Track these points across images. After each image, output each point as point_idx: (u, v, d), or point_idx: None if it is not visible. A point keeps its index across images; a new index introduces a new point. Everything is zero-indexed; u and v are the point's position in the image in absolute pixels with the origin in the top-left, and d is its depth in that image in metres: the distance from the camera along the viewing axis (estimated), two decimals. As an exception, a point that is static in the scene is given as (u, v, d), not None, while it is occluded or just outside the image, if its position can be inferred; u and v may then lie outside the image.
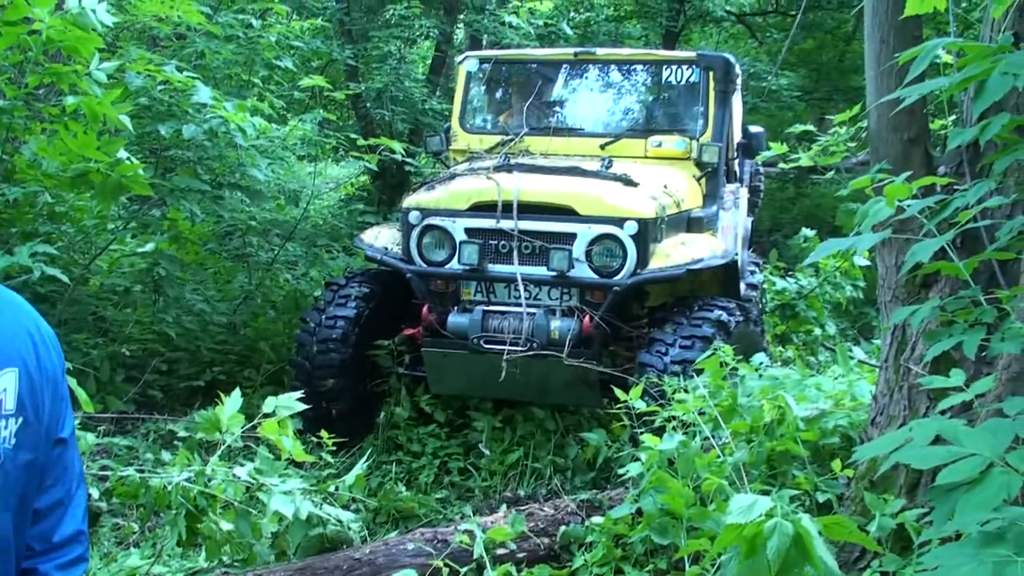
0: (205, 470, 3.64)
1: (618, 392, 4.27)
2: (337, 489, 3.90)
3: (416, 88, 11.29)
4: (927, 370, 3.22)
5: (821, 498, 3.58)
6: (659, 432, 3.91)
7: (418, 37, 12.06)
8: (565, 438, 5.99)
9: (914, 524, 3.04)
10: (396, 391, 6.13)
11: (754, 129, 7.07)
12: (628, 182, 5.83)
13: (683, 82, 6.82)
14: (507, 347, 5.45)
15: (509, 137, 6.73)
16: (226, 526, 3.63)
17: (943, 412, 2.57)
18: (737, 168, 7.27)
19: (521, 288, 5.56)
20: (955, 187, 3.11)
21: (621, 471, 3.98)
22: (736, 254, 6.90)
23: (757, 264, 8.58)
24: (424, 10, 11.67)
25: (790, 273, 9.63)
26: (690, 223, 6.16)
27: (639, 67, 7.12)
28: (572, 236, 5.60)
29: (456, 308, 5.80)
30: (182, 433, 4.97)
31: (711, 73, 6.56)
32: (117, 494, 3.72)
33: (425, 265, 5.84)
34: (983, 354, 2.83)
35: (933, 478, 2.02)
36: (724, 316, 5.44)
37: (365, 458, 4.27)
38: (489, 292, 5.78)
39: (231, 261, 8.33)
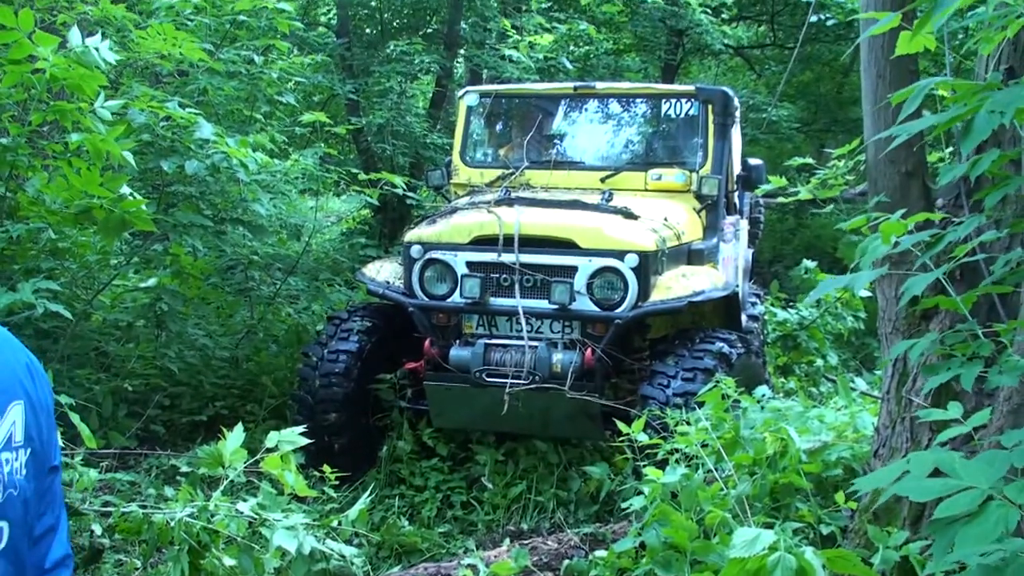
0: (208, 505, 3.64)
1: (620, 425, 4.27)
2: (340, 524, 3.90)
3: (417, 122, 11.38)
4: (928, 402, 3.23)
5: (825, 531, 3.58)
6: (662, 465, 3.91)
7: (419, 72, 12.15)
8: (568, 471, 5.97)
9: (918, 557, 3.03)
10: (398, 425, 6.13)
11: (753, 161, 7.11)
12: (628, 215, 5.86)
13: (682, 115, 6.87)
14: (509, 380, 5.45)
15: (510, 171, 6.77)
16: (229, 562, 3.61)
17: (943, 444, 2.58)
18: (737, 200, 7.30)
19: (523, 321, 5.58)
20: (952, 220, 3.13)
21: (624, 504, 3.97)
22: (737, 286, 6.91)
23: (758, 295, 8.60)
24: (424, 46, 11.77)
25: (791, 304, 9.65)
26: (691, 255, 6.19)
27: (638, 101, 7.18)
28: (573, 269, 5.63)
29: (458, 341, 5.81)
30: (184, 468, 4.95)
31: (710, 106, 6.61)
32: (120, 530, 3.72)
33: (427, 299, 5.86)
34: (983, 387, 2.84)
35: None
36: (726, 348, 5.45)
37: (368, 492, 4.27)
38: (491, 325, 5.80)
39: (233, 296, 8.35)
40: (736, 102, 7.04)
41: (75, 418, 3.98)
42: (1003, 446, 2.14)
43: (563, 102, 7.22)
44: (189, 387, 7.01)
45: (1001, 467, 1.98)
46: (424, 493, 5.87)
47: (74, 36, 5.02)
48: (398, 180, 7.55)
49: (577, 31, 12.58)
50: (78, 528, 4.11)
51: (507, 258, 5.65)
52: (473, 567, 3.76)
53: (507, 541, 4.43)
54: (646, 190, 6.50)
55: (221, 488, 3.86)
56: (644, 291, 5.57)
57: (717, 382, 4.32)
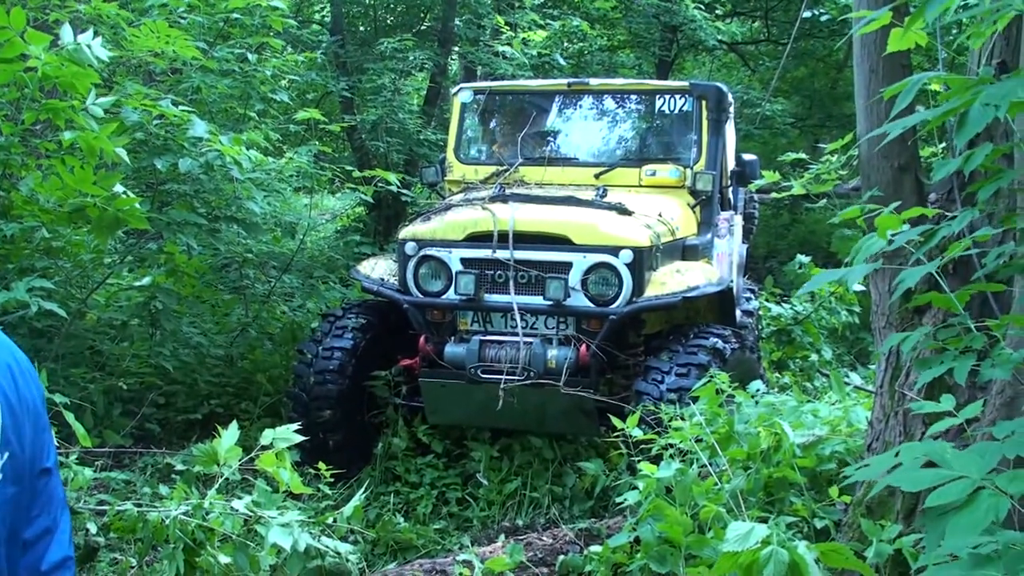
0: (203, 503, 3.63)
1: (615, 421, 4.27)
2: (335, 521, 3.90)
3: (411, 119, 11.37)
4: (921, 396, 3.24)
5: (819, 524, 3.59)
6: (656, 460, 3.91)
7: (412, 69, 12.15)
8: (563, 467, 5.99)
9: (911, 550, 3.04)
10: (393, 422, 6.13)
11: (747, 157, 7.12)
12: (623, 211, 5.87)
13: (676, 111, 6.88)
14: (504, 376, 5.45)
15: (504, 168, 6.76)
16: (224, 559, 3.61)
17: (935, 437, 2.59)
18: (731, 196, 7.30)
19: (518, 317, 5.58)
20: (946, 214, 3.14)
21: (619, 500, 3.97)
22: (731, 281, 6.92)
23: (752, 291, 8.59)
24: (418, 42, 11.76)
25: (786, 299, 9.66)
26: (685, 251, 6.20)
27: (633, 97, 7.18)
28: (568, 265, 5.63)
29: (453, 338, 5.81)
30: (180, 467, 4.95)
31: (704, 102, 6.62)
32: (115, 529, 3.72)
33: (421, 296, 5.86)
34: (976, 380, 2.85)
35: (927, 503, 2.04)
36: (720, 344, 5.46)
37: (363, 489, 4.27)
38: (486, 322, 5.80)
39: (228, 294, 8.34)
40: (730, 98, 7.04)
41: (70, 417, 3.97)
42: (995, 438, 2.15)
43: (557, 98, 7.22)
44: (184, 385, 7.01)
45: (992, 458, 1.99)
46: (419, 490, 5.88)
47: (66, 34, 5.01)
48: (392, 177, 7.54)
49: (571, 27, 12.58)
50: (73, 527, 4.10)
51: (502, 254, 5.65)
52: (468, 563, 3.76)
53: (502, 537, 4.44)
54: (640, 186, 6.51)
55: (216, 486, 3.86)
56: (639, 287, 5.58)
57: (711, 377, 4.33)
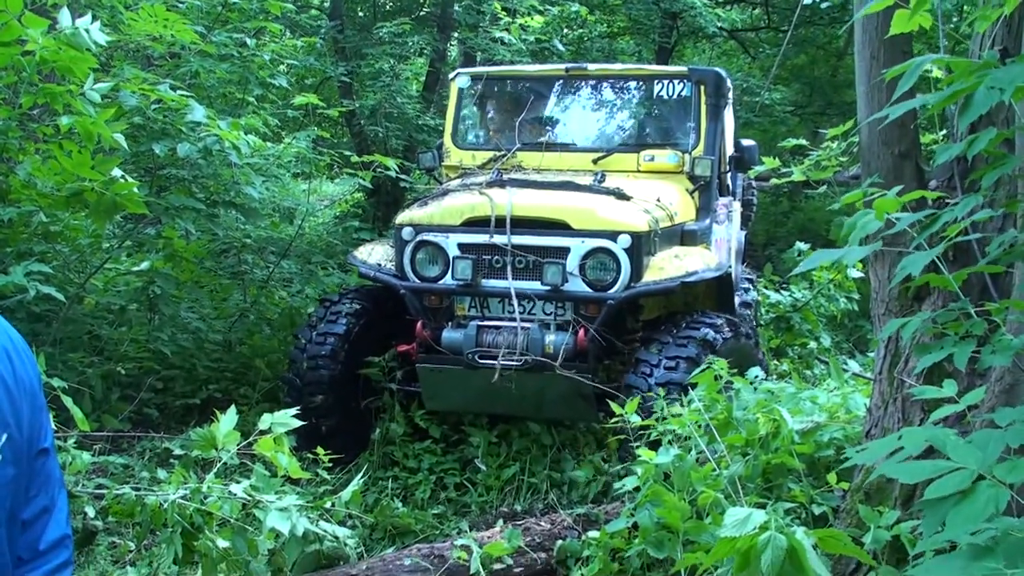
0: (201, 488, 3.64)
1: (614, 406, 4.27)
2: (333, 505, 3.90)
3: (410, 105, 11.34)
4: (920, 382, 3.24)
5: (817, 511, 3.59)
6: (654, 446, 3.92)
7: (411, 54, 12.11)
8: (561, 453, 5.99)
9: (909, 536, 3.04)
10: (390, 407, 6.13)
11: (746, 142, 7.08)
12: (621, 196, 5.84)
13: (675, 96, 6.84)
14: (499, 360, 5.42)
15: (501, 153, 6.74)
16: (222, 544, 3.62)
17: (936, 423, 2.58)
18: (730, 182, 7.29)
19: (515, 302, 5.56)
20: (946, 200, 3.13)
21: (617, 485, 3.98)
22: (730, 267, 6.91)
23: (751, 280, 8.55)
24: (416, 27, 11.72)
25: (784, 286, 9.65)
26: (683, 236, 6.18)
27: (631, 82, 7.15)
28: (566, 250, 5.61)
29: (450, 324, 5.80)
30: (178, 451, 4.96)
31: (703, 87, 6.60)
32: (113, 512, 3.72)
33: (419, 281, 5.84)
34: (975, 366, 2.85)
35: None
36: (711, 334, 5.42)
37: (361, 474, 4.27)
38: (483, 307, 5.79)
39: (226, 279, 8.33)
40: (729, 83, 7.02)
41: (68, 401, 3.97)
42: (996, 424, 2.14)
43: (555, 84, 7.19)
44: (182, 370, 7.01)
45: (995, 448, 1.98)
46: (417, 475, 5.88)
47: (64, 18, 4.98)
48: (391, 163, 7.52)
49: (570, 13, 12.53)
50: (71, 510, 4.10)
51: (499, 239, 5.63)
52: (466, 547, 3.76)
53: (500, 522, 4.44)
54: (638, 171, 6.48)
55: (215, 470, 3.87)
56: (637, 272, 5.55)
57: (709, 364, 4.32)
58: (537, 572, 3.90)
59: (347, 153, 8.64)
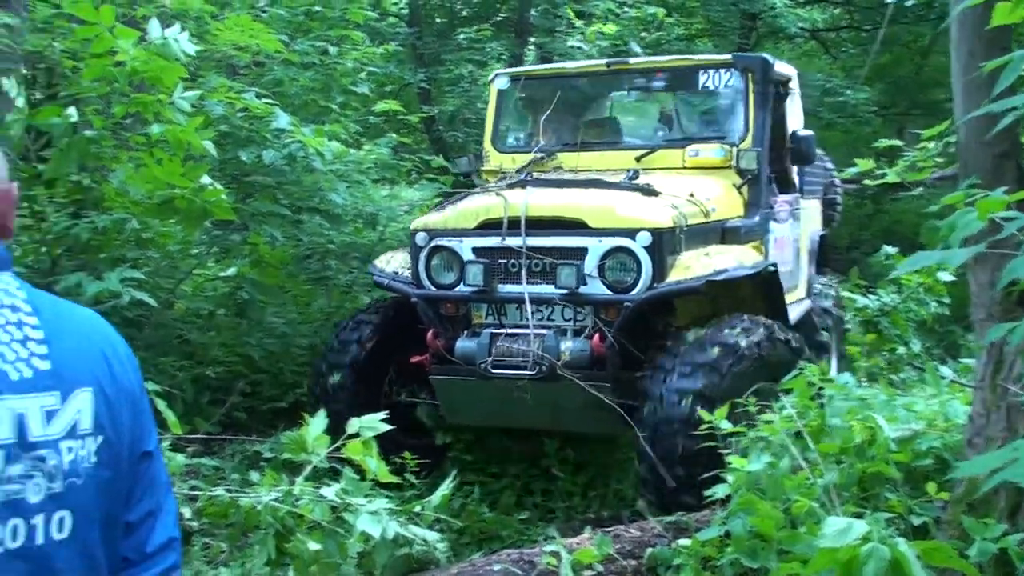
0: (293, 490, 3.67)
1: (702, 413, 4.19)
2: (423, 509, 3.91)
3: (488, 110, 11.36)
4: (1026, 389, 3.14)
5: (916, 521, 3.50)
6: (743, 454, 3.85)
7: (489, 59, 12.16)
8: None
9: (1016, 549, 2.95)
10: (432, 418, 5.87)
11: (802, 133, 6.56)
12: (648, 192, 5.49)
13: (721, 86, 6.41)
14: (508, 371, 5.12)
15: (541, 155, 6.43)
16: (313, 546, 3.65)
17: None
18: (796, 177, 6.90)
19: (528, 308, 5.21)
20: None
21: (707, 493, 3.92)
22: (791, 268, 6.55)
23: (830, 285, 8.00)
24: (494, 32, 11.77)
25: (871, 290, 9.43)
26: (725, 234, 5.75)
27: (675, 74, 6.74)
28: (583, 251, 5.24)
29: (465, 332, 5.47)
30: (267, 454, 5.03)
31: (750, 75, 6.18)
32: (207, 514, 3.78)
33: (434, 288, 5.55)
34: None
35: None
36: (736, 339, 4.92)
37: (450, 479, 4.26)
38: (500, 314, 5.44)
39: (311, 284, 8.44)
40: (785, 71, 6.63)
41: (161, 404, 4.05)
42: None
43: (597, 81, 6.88)
44: (269, 374, 7.10)
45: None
46: (502, 480, 5.83)
47: (154, 29, 5.11)
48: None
49: (647, 16, 12.46)
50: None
51: (512, 242, 5.31)
52: (556, 554, 3.74)
53: (588, 528, 4.40)
54: (684, 168, 6.10)
55: (304, 474, 3.91)
56: (660, 272, 5.13)
57: (801, 369, 4.21)
58: (626, 580, 3.86)
59: (427, 158, 8.69)
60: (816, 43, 17.89)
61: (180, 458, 4.07)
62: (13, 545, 1.51)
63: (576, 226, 5.31)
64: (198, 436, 5.34)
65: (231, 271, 6.90)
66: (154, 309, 5.54)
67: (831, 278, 8.29)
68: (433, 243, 5.54)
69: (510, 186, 5.78)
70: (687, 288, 5.12)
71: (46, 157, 5.14)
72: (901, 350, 8.75)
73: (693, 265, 5.18)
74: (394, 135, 8.96)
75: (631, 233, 5.16)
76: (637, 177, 5.73)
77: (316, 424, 4.01)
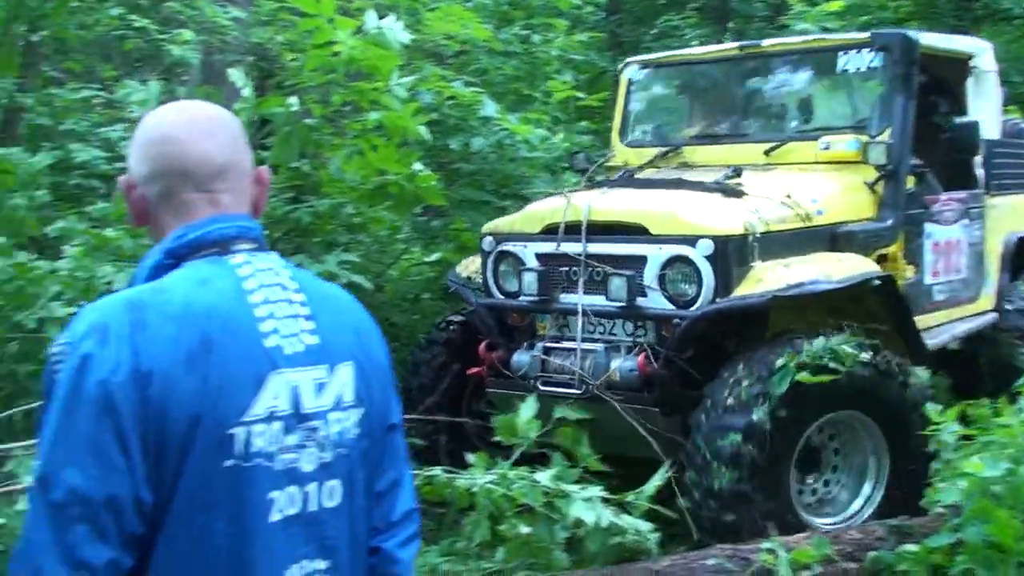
0: (507, 473, 3.71)
1: (931, 413, 3.96)
2: (636, 499, 3.87)
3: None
4: None
5: None
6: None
7: (690, 46, 11.95)
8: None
9: None
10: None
11: (962, 120, 5.83)
12: (730, 192, 4.97)
13: (862, 70, 5.72)
14: (562, 389, 4.79)
15: (668, 149, 6.02)
16: (525, 530, 3.67)
17: None
18: (981, 170, 6.10)
19: (580, 321, 4.82)
20: None
21: (936, 498, 3.71)
22: (965, 276, 5.91)
23: None
24: (697, 19, 11.57)
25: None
26: (837, 238, 5.09)
27: (811, 57, 6.13)
28: (643, 259, 4.78)
29: (525, 344, 5.13)
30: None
31: (889, 55, 5.49)
32: (424, 492, 3.85)
33: (501, 296, 5.26)
34: None
35: None
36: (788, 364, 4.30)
37: (663, 469, 4.17)
38: (563, 326, 5.06)
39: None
40: (960, 46, 6.00)
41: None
42: None
43: (729, 67, 6.34)
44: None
45: None
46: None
47: (370, 19, 5.25)
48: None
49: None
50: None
51: (571, 248, 4.95)
52: (773, 552, 3.63)
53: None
54: (816, 163, 5.54)
55: (513, 457, 3.93)
56: (725, 284, 4.58)
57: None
58: (845, 583, 3.71)
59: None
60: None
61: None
62: (292, 511, 1.57)
63: (638, 232, 4.88)
64: (413, 416, 5.44)
65: (435, 256, 7.04)
66: (367, 291, 5.70)
67: None
68: (499, 248, 5.26)
69: (589, 186, 5.47)
70: (749, 304, 4.57)
71: (268, 145, 5.36)
72: None
73: (766, 277, 4.61)
74: (585, 124, 8.92)
75: (691, 240, 4.66)
76: (740, 174, 5.19)
77: (527, 408, 4.04)
